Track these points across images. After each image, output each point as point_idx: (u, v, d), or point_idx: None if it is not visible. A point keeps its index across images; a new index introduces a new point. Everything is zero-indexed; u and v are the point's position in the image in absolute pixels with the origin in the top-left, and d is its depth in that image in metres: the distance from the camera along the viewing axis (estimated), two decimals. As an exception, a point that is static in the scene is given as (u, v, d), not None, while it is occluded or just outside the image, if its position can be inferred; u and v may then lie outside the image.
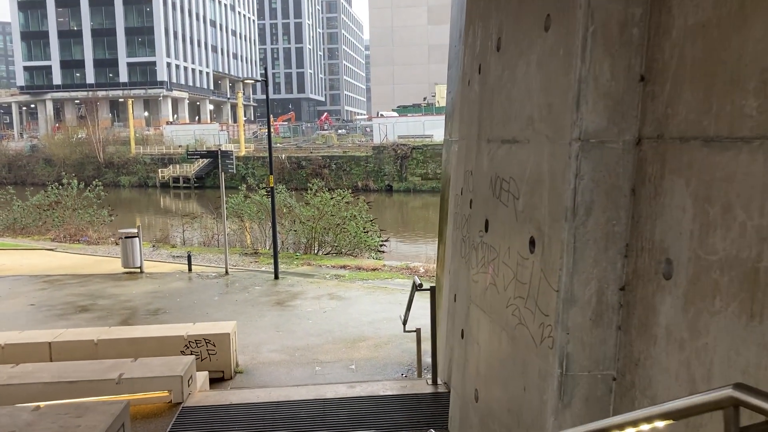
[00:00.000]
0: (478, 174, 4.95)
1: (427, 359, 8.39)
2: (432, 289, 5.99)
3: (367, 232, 20.56)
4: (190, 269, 16.84)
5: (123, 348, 8.52)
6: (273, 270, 15.86)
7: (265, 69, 14.37)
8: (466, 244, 5.31)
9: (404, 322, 7.62)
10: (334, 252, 20.17)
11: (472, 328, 4.86)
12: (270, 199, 17.84)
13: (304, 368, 9.28)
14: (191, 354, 8.70)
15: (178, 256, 19.18)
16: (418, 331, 7.86)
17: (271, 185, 15.45)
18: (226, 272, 16.38)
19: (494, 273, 4.06)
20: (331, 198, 20.41)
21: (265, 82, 15.57)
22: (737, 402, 1.83)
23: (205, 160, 57.08)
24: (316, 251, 20.26)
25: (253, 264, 18.05)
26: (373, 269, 16.60)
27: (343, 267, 17.07)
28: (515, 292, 3.73)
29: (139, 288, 14.84)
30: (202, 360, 8.76)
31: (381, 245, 20.92)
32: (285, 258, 18.43)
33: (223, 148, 16.37)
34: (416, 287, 6.13)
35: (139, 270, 16.65)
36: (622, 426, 2.27)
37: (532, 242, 3.59)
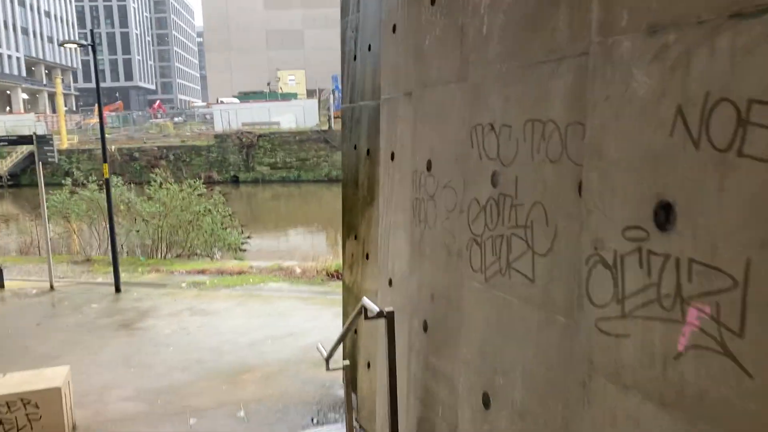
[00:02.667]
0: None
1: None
2: (389, 316, 3.84)
3: (226, 228, 17.76)
4: (2, 285, 13.30)
5: None
6: (113, 281, 12.81)
7: (93, 47, 11.34)
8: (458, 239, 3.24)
9: (327, 358, 5.35)
10: (186, 254, 17.20)
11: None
12: (103, 193, 14.65)
13: (174, 423, 6.71)
14: (0, 424, 5.87)
15: (-15, 270, 15.34)
16: (345, 369, 5.57)
17: (106, 176, 12.35)
18: (51, 287, 13.06)
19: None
20: (181, 190, 17.35)
21: (94, 62, 12.50)
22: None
23: (21, 155, 50.41)
24: (164, 255, 17.17)
25: (86, 274, 14.75)
26: (239, 272, 14.01)
27: (202, 272, 14.31)
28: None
29: (-72, 317, 11.25)
30: (19, 431, 5.95)
31: (243, 243, 18.21)
32: (127, 265, 15.28)
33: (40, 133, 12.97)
34: (365, 314, 3.89)
35: (-71, 292, 12.88)
36: None
37: None
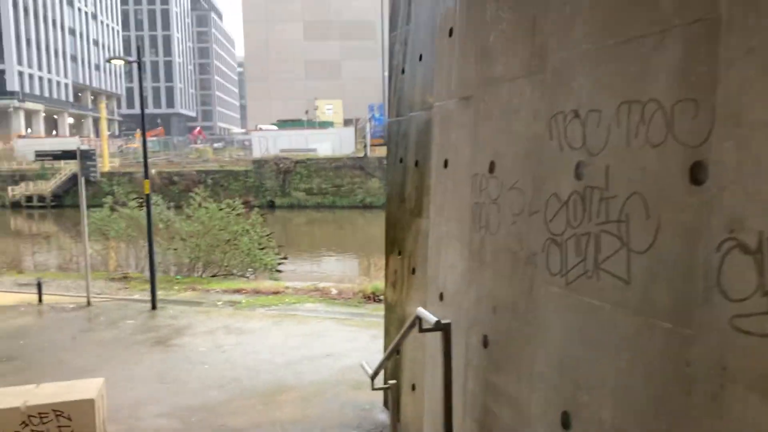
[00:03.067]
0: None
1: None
2: (447, 327, 3.52)
3: (263, 248, 17.61)
4: (40, 300, 13.27)
5: None
6: (150, 298, 12.68)
7: (139, 64, 11.37)
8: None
9: (373, 376, 5.03)
10: (223, 273, 17.07)
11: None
12: (143, 211, 14.65)
13: (208, 441, 6.44)
14: (32, 435, 5.66)
15: (25, 284, 15.39)
16: (392, 387, 5.23)
17: (147, 191, 12.31)
18: (88, 302, 12.99)
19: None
20: (220, 209, 17.29)
21: (140, 83, 12.60)
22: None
23: (64, 176, 51.45)
24: (201, 273, 17.06)
25: (122, 291, 14.69)
26: (275, 292, 13.79)
27: (237, 291, 14.13)
28: None
29: (-34, 328, 11.21)
30: (49, 443, 5.73)
31: (279, 264, 18.03)
32: (163, 282, 15.19)
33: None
34: (420, 325, 3.56)
35: (-31, 303, 12.90)
36: None
37: None
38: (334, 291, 13.59)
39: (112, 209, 18.71)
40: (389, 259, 7.29)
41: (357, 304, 12.49)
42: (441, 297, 4.85)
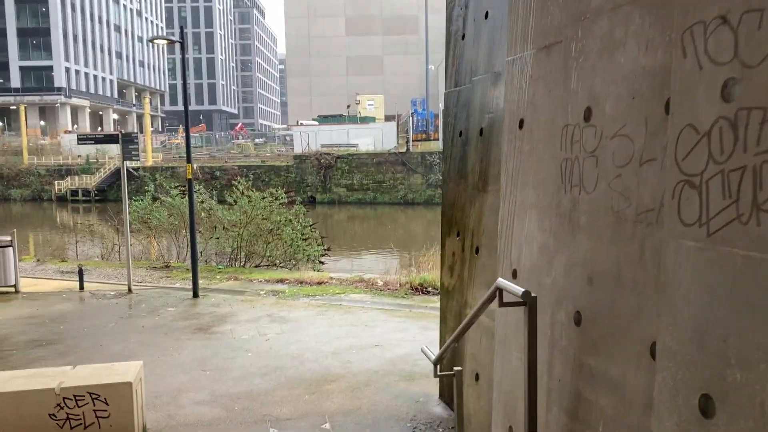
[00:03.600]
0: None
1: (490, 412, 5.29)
2: (533, 301, 2.99)
3: (306, 239, 17.20)
4: (81, 287, 13.09)
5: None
6: (191, 286, 12.38)
7: (183, 45, 11.02)
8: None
9: (436, 362, 4.51)
10: (265, 264, 16.72)
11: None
12: (185, 200, 14.40)
13: (252, 431, 5.99)
14: (67, 419, 5.29)
15: (67, 272, 15.29)
16: (457, 375, 4.69)
17: (189, 176, 11.99)
18: (129, 290, 12.75)
19: None
20: (263, 198, 16.93)
21: (183, 78, 12.33)
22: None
23: (108, 171, 52.12)
24: (243, 263, 16.75)
25: (164, 279, 14.44)
26: (319, 283, 13.37)
27: (280, 281, 13.74)
28: None
29: (8, 312, 11.03)
30: (86, 428, 5.36)
31: (323, 255, 17.62)
32: (205, 272, 14.91)
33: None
34: (500, 298, 3.05)
35: (13, 289, 12.74)
36: None
37: None
38: (380, 282, 13.10)
39: (154, 198, 18.54)
40: (446, 242, 6.77)
41: (404, 295, 11.97)
42: (514, 274, 4.31)
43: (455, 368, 4.69)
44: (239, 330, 9.68)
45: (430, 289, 12.23)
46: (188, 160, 12.31)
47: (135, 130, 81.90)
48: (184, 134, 12.75)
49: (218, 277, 14.53)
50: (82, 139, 13.06)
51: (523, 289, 3.17)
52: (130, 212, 17.06)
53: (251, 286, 13.30)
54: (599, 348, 3.05)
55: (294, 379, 7.36)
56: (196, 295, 12.21)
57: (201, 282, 12.95)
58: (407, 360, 7.97)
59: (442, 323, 6.69)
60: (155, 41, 12.57)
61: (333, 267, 19.16)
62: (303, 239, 17.07)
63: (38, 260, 17.89)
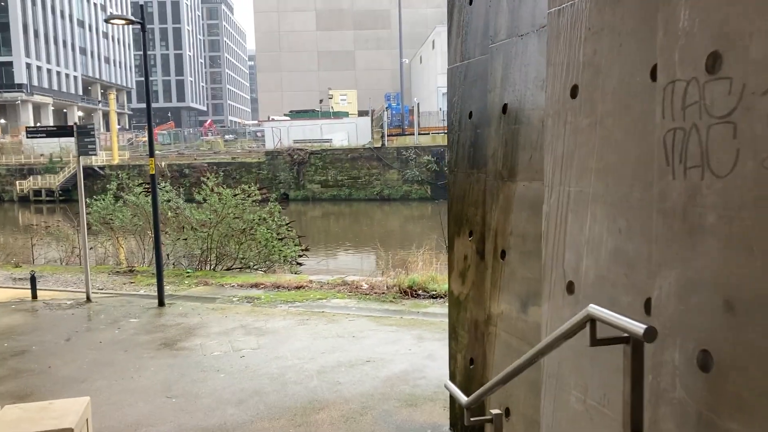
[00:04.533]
0: None
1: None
2: (650, 336, 2.01)
3: (282, 239, 16.05)
4: (34, 296, 11.82)
5: None
6: (156, 293, 11.19)
7: (143, 25, 9.77)
8: None
9: (469, 406, 3.44)
10: (238, 267, 15.53)
11: None
12: (149, 198, 13.17)
13: (227, 480, 4.88)
14: (-13, 480, 4.14)
15: (20, 279, 13.96)
16: (496, 418, 3.61)
17: (152, 171, 10.77)
18: (88, 298, 11.51)
19: None
20: (235, 195, 15.74)
21: (144, 57, 11.15)
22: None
23: (72, 170, 50.16)
24: (214, 266, 15.54)
25: (127, 286, 13.19)
26: (298, 287, 12.25)
27: (255, 286, 12.59)
28: None
29: (-54, 328, 9.74)
30: (12, 489, 4.21)
31: (300, 256, 16.47)
32: (172, 276, 13.70)
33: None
34: (592, 334, 2.09)
35: (-45, 300, 11.44)
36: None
37: None
38: (365, 285, 12.02)
39: (117, 197, 17.23)
40: (455, 243, 5.72)
41: (393, 300, 10.92)
42: (570, 288, 3.29)
43: (493, 411, 3.63)
44: (210, 345, 8.54)
45: (420, 292, 11.20)
46: (151, 154, 11.12)
47: (101, 129, 79.73)
48: (147, 115, 11.56)
49: (186, 282, 13.33)
50: (32, 133, 11.74)
51: (644, 325, 2.11)
52: (90, 212, 15.77)
53: (223, 292, 12.14)
54: (747, 407, 2.02)
55: (275, 408, 6.26)
56: (161, 303, 11.02)
57: (167, 288, 11.78)
58: (406, 379, 6.92)
59: (452, 340, 5.64)
60: (111, 21, 11.27)
61: (311, 268, 18.05)
62: (278, 239, 15.91)
63: (-11, 266, 16.48)
